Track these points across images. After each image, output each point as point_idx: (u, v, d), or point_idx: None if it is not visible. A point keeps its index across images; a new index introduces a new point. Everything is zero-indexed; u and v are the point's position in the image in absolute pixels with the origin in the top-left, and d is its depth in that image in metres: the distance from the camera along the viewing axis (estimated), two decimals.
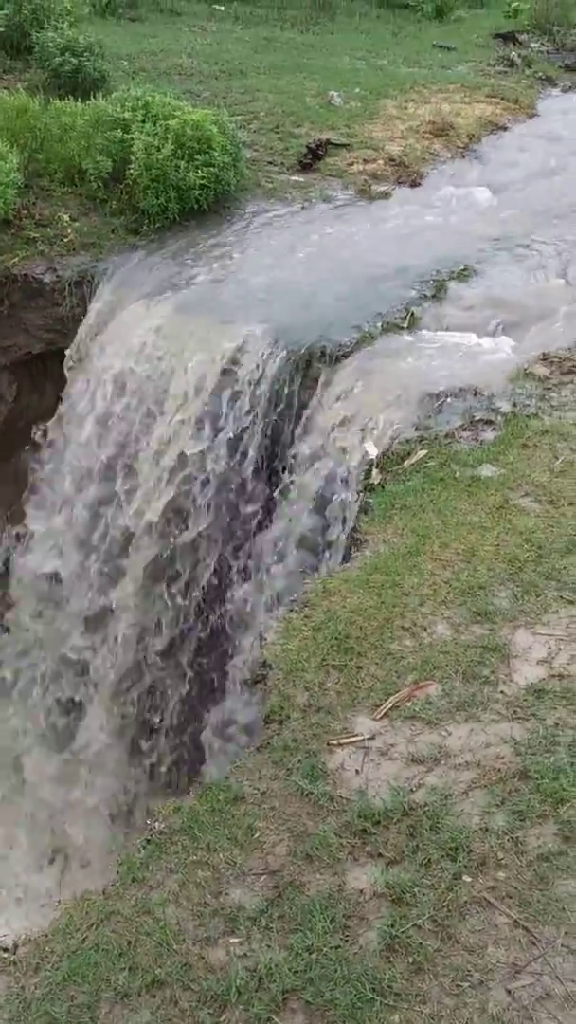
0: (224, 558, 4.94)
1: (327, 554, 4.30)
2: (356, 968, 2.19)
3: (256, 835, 2.59)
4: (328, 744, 2.85)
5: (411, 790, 2.65)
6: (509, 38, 11.94)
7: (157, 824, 2.69)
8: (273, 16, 12.62)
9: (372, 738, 2.86)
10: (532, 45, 11.88)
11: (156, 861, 2.57)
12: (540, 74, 10.69)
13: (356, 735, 2.87)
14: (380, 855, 2.48)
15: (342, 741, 2.86)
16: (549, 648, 3.10)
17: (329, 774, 2.75)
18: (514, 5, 13.09)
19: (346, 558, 3.97)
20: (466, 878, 2.37)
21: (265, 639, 3.35)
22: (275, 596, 4.25)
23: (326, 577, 3.66)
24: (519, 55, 11.08)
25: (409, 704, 2.94)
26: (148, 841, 2.65)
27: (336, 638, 3.22)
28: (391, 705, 2.95)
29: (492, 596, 3.33)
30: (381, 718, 2.92)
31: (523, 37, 12.05)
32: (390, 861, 2.45)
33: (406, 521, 3.81)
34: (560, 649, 3.09)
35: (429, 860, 2.42)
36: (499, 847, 2.42)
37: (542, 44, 11.94)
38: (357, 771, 2.75)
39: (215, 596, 5.04)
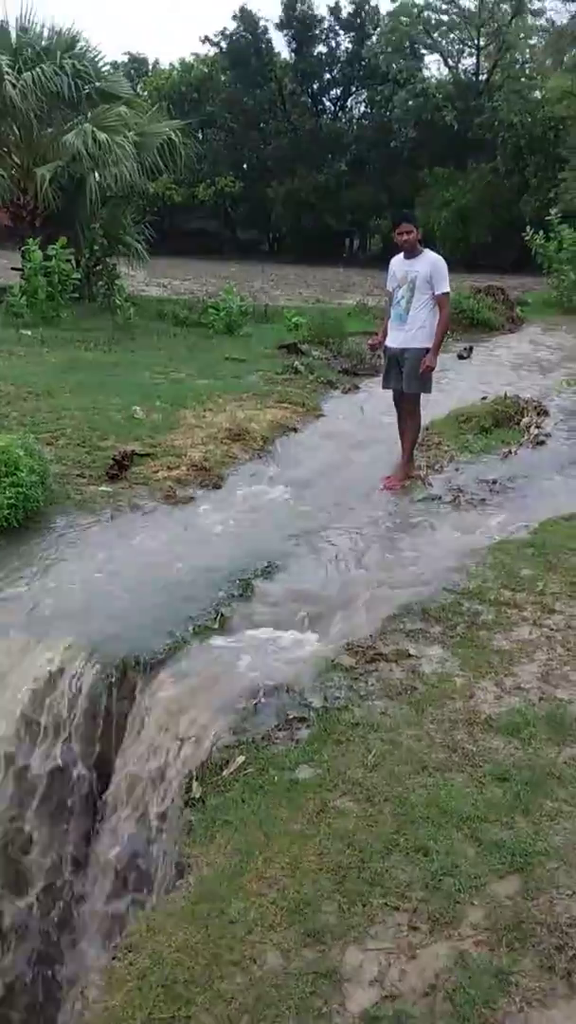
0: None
1: (154, 883, 4.12)
2: None
3: None
4: None
5: None
6: (292, 349, 13.49)
7: None
8: (78, 338, 13.77)
9: None
10: (313, 353, 13.43)
11: None
12: (322, 379, 12.02)
13: None
14: None
15: None
16: (380, 964, 3.05)
17: None
18: (294, 320, 14.93)
19: (172, 885, 3.82)
20: None
21: (87, 997, 3.12)
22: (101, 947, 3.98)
23: (150, 913, 3.51)
24: (302, 363, 12.46)
25: None
26: None
27: (163, 985, 3.04)
28: None
29: (319, 912, 3.28)
30: None
31: (304, 347, 13.64)
32: None
33: (228, 838, 3.76)
34: (390, 964, 3.04)
35: None
36: None
37: (321, 352, 13.54)
38: None
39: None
